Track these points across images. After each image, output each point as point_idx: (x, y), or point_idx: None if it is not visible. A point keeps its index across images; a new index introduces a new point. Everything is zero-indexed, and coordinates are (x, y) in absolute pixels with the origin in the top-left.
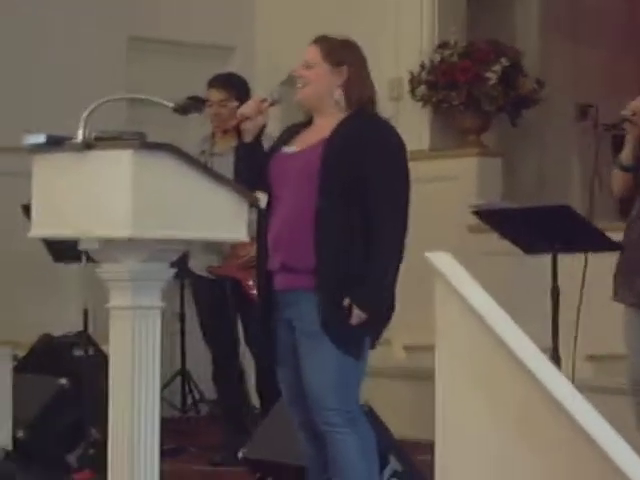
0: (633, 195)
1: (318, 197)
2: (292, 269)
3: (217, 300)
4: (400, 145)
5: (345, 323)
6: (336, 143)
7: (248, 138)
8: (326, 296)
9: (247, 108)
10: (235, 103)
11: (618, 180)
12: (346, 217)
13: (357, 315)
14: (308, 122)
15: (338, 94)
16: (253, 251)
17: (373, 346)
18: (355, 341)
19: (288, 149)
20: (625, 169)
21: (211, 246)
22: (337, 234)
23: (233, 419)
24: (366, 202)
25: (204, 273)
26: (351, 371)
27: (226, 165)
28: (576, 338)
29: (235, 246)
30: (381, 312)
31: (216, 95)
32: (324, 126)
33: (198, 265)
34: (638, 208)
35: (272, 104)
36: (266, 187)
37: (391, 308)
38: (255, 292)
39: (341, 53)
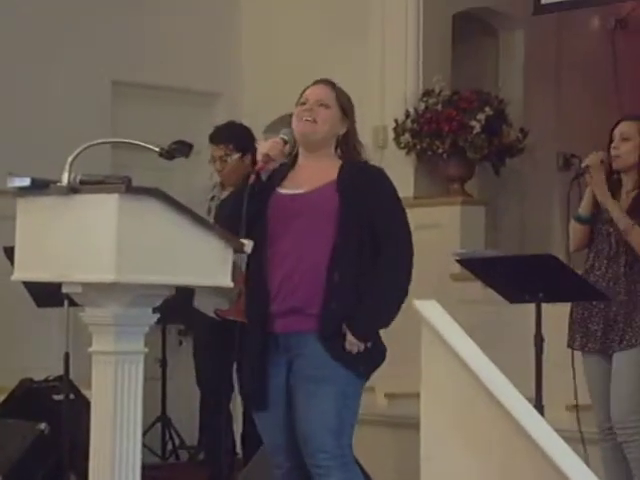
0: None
1: (337, 237)
2: (300, 311)
3: (219, 342)
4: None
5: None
6: (348, 186)
7: (265, 177)
8: (333, 335)
9: (273, 150)
10: (237, 155)
11: (575, 232)
12: (359, 259)
13: (349, 342)
14: (291, 163)
15: (335, 141)
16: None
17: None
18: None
19: (288, 190)
20: (582, 221)
21: (219, 289)
22: (351, 276)
23: (215, 464)
24: (375, 245)
25: (211, 313)
26: (349, 416)
27: None
28: None
29: (241, 290)
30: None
31: (217, 151)
32: (323, 168)
33: (204, 305)
34: (591, 261)
35: (286, 144)
36: (260, 227)
37: (383, 349)
38: None
39: (348, 104)
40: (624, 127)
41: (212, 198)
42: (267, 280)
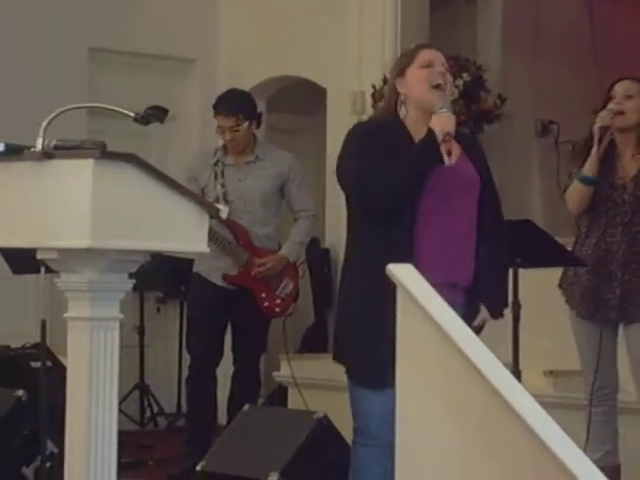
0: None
1: (480, 211)
2: (454, 285)
3: (217, 306)
4: None
5: None
6: (473, 156)
7: (447, 160)
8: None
9: (452, 127)
10: (246, 123)
11: (577, 194)
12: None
13: (483, 319)
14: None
15: None
16: (270, 262)
17: None
18: None
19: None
20: (588, 182)
21: (228, 253)
22: (488, 250)
23: (197, 428)
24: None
25: (212, 278)
26: None
27: (238, 176)
28: None
29: (251, 256)
30: None
31: (225, 122)
32: None
33: (206, 269)
34: (587, 225)
35: None
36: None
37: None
38: (267, 304)
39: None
40: (626, 85)
41: (216, 163)
42: (416, 251)
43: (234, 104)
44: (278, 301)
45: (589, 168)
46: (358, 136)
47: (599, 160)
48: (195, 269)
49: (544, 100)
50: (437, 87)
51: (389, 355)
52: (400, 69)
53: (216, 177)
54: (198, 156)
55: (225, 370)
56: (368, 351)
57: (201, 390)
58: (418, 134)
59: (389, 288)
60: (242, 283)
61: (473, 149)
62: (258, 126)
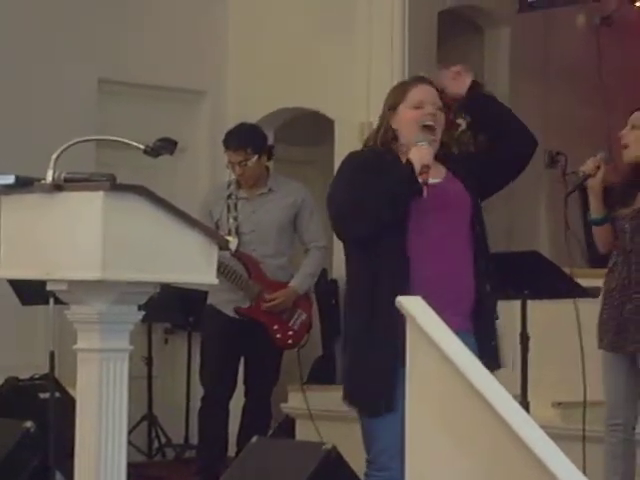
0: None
1: (472, 228)
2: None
3: (231, 339)
4: None
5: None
6: (457, 169)
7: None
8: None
9: (429, 159)
10: (255, 157)
11: (597, 235)
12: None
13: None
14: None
15: None
16: (281, 297)
17: None
18: None
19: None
20: (598, 223)
21: (238, 285)
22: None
23: (207, 460)
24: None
25: (226, 310)
26: None
27: (251, 209)
28: None
29: (263, 289)
30: None
31: (235, 157)
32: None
33: (219, 301)
34: (614, 258)
35: None
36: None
37: None
38: (280, 336)
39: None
40: (635, 116)
41: (229, 196)
42: (411, 276)
43: (242, 139)
44: (291, 332)
45: (593, 210)
46: (349, 165)
47: (600, 199)
48: (209, 301)
49: (552, 131)
50: (427, 128)
51: (390, 378)
52: (392, 104)
53: (229, 210)
54: (212, 191)
55: (236, 401)
56: (369, 377)
57: (212, 422)
58: None
59: (383, 317)
60: (254, 316)
61: (463, 171)
62: (269, 159)
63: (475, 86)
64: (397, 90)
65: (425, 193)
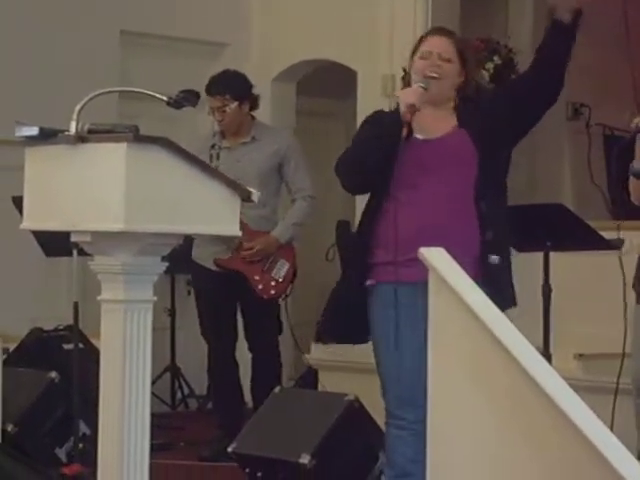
0: None
1: (478, 183)
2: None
3: (219, 292)
4: None
5: None
6: (473, 127)
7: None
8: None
9: (418, 99)
10: (234, 103)
11: (634, 188)
12: (501, 200)
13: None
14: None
15: (454, 91)
16: (258, 244)
17: None
18: None
19: (419, 135)
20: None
21: (219, 237)
22: (500, 218)
23: (225, 413)
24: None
25: (208, 264)
26: None
27: (235, 158)
28: None
29: (241, 239)
30: None
31: (213, 102)
32: (442, 115)
33: (202, 256)
34: None
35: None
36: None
37: None
38: (261, 287)
39: (467, 54)
40: None
41: (213, 146)
42: (399, 227)
43: (221, 85)
44: (273, 283)
45: (637, 163)
46: (364, 122)
47: None
48: (192, 256)
49: (575, 83)
50: (431, 78)
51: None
52: (411, 54)
53: (211, 160)
54: (197, 140)
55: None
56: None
57: (223, 378)
58: (417, 119)
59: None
60: (233, 266)
61: (473, 118)
62: (252, 108)
63: (579, 15)
64: (418, 41)
65: (405, 132)
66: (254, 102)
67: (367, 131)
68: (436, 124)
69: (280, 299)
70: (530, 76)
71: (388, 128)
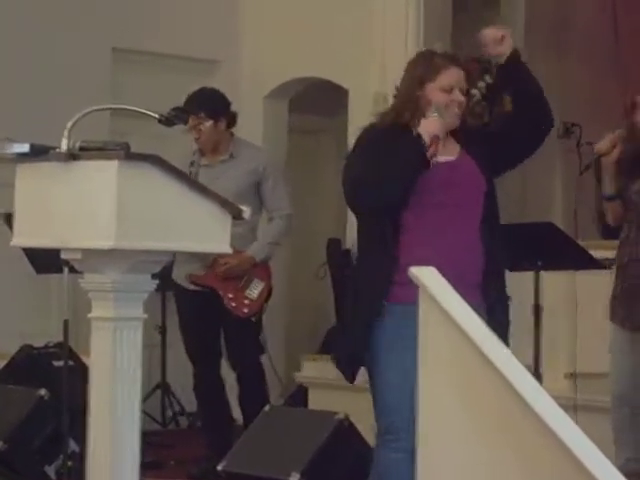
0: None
1: (485, 207)
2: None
3: (199, 311)
4: None
5: None
6: (472, 154)
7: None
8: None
9: (439, 130)
10: (209, 122)
11: (609, 210)
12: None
13: None
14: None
15: None
16: (234, 262)
17: None
18: None
19: (442, 157)
20: (610, 199)
21: (196, 255)
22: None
23: (213, 432)
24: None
25: (185, 283)
26: None
27: (213, 176)
28: None
29: (215, 255)
30: None
31: (190, 121)
32: (445, 139)
33: (180, 275)
34: (627, 232)
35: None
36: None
37: None
38: (235, 305)
39: (468, 81)
40: None
41: (192, 163)
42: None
43: (195, 103)
44: (246, 301)
45: (606, 185)
46: (365, 140)
47: (614, 177)
48: (172, 275)
49: (567, 102)
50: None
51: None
52: (420, 79)
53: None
54: (177, 158)
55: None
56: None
57: (209, 396)
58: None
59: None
60: (207, 283)
61: (478, 145)
62: (230, 125)
63: (516, 54)
64: (427, 65)
65: (433, 163)
66: (231, 120)
67: (387, 157)
68: (445, 148)
69: (252, 318)
70: (514, 115)
71: (415, 160)
